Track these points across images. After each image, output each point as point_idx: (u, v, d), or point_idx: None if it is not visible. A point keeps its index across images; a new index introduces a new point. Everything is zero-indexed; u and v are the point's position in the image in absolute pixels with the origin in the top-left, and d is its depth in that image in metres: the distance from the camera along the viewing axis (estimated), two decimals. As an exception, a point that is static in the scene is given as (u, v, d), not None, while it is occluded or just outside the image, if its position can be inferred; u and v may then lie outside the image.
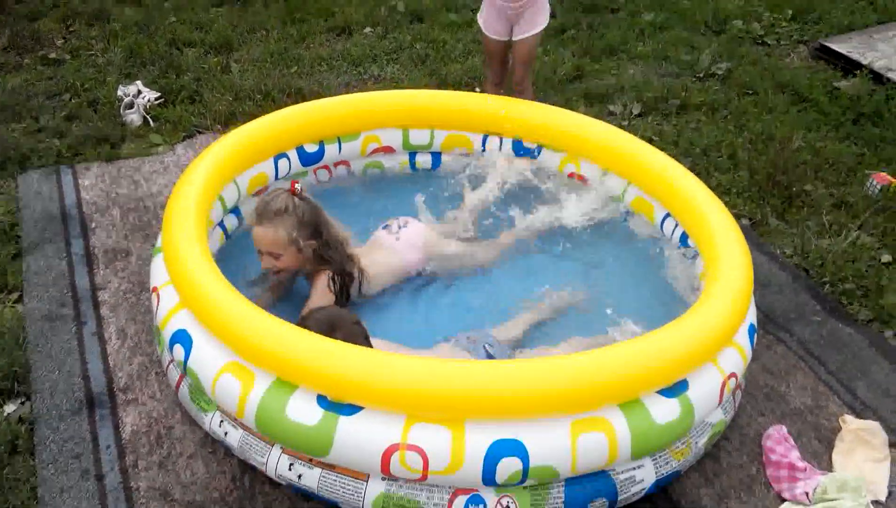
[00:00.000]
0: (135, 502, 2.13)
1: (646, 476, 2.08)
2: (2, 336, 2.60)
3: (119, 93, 4.01)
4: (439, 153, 3.43)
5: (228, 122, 3.92)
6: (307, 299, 2.59)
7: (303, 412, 1.98)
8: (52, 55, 4.55)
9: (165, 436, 2.33)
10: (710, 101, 4.34)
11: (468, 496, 1.97)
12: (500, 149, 3.39)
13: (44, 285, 2.86)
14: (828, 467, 2.32)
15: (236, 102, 4.08)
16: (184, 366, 2.22)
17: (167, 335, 2.28)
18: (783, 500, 2.21)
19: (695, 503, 2.19)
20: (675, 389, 2.07)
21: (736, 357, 2.24)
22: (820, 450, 2.38)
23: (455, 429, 1.91)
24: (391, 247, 2.82)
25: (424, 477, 1.93)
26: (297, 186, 2.58)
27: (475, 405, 1.93)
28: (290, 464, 2.08)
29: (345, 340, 2.07)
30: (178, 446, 2.30)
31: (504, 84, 3.61)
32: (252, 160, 2.97)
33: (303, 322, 2.21)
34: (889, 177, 3.60)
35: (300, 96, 4.17)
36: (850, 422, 2.41)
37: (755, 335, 2.39)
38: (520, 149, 3.36)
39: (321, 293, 2.56)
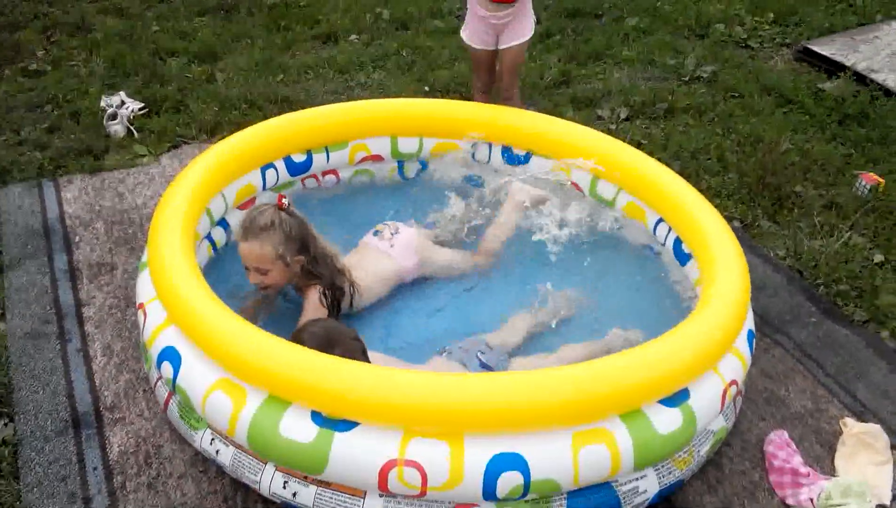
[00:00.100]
0: (124, 525, 2.07)
1: (649, 486, 2.05)
2: (-17, 356, 2.54)
3: (102, 104, 3.94)
4: (428, 163, 3.40)
5: (214, 131, 3.87)
6: (300, 315, 2.54)
7: (297, 429, 1.93)
8: (33, 66, 4.48)
9: (154, 456, 2.27)
10: (696, 104, 4.35)
11: (468, 511, 1.92)
12: (490, 156, 3.37)
13: (26, 301, 2.79)
14: (830, 471, 2.30)
15: (222, 111, 4.03)
16: (172, 384, 2.17)
17: (154, 352, 2.23)
18: (787, 506, 2.18)
19: (698, 511, 2.17)
20: (677, 398, 2.04)
21: (736, 364, 2.22)
22: (822, 454, 2.36)
23: (454, 444, 1.87)
24: (385, 253, 2.78)
25: (423, 493, 1.88)
26: (283, 200, 2.53)
27: (474, 419, 1.89)
28: (285, 482, 2.03)
29: (343, 356, 2.02)
30: (167, 466, 2.24)
31: (491, 91, 3.59)
32: (239, 171, 2.92)
33: (298, 335, 2.17)
34: (877, 177, 3.61)
35: (286, 105, 4.13)
36: (851, 426, 2.39)
37: (754, 341, 2.38)
38: (509, 156, 3.33)
39: (314, 308, 2.51)
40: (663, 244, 2.89)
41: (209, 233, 2.83)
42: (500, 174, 3.28)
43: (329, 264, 2.57)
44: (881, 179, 3.58)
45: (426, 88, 4.43)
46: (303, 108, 3.92)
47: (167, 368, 2.17)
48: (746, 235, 3.35)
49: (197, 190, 2.65)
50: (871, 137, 4.03)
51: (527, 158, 3.31)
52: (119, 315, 2.75)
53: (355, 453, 1.89)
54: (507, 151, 3.33)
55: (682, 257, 2.76)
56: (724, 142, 3.97)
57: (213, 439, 2.15)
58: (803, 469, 2.23)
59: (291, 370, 1.96)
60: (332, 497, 1.97)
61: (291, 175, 3.15)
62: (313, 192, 3.26)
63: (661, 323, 2.62)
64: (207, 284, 2.25)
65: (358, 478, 1.91)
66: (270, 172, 3.06)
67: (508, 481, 1.86)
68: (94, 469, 2.22)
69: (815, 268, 3.13)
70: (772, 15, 5.45)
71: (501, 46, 3.34)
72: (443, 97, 4.29)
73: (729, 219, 3.31)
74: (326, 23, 5.20)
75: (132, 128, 3.86)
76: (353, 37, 5.08)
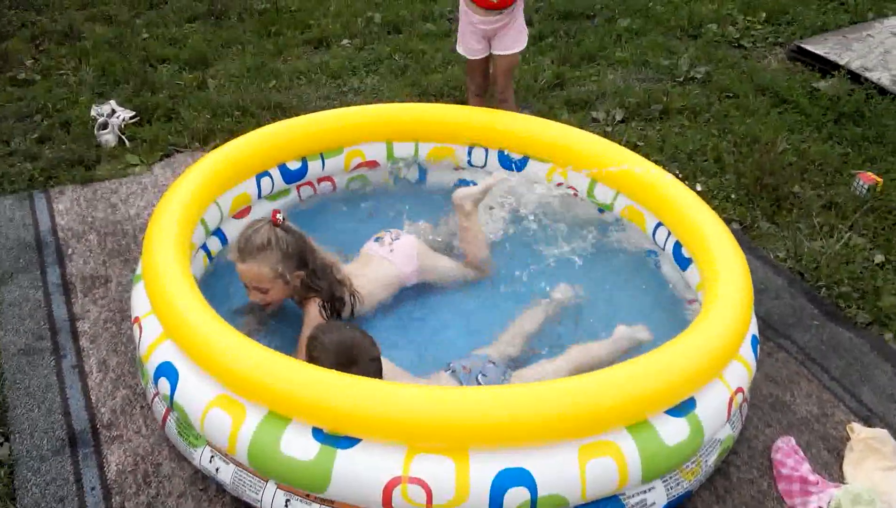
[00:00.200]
0: (123, 547, 2.03)
1: (657, 498, 2.02)
2: (-25, 374, 2.49)
3: (92, 113, 3.89)
4: (425, 169, 3.38)
5: (207, 139, 3.83)
6: (301, 328, 2.50)
7: (298, 446, 1.90)
8: (22, 76, 4.42)
9: (153, 474, 2.23)
10: (691, 105, 4.33)
11: (475, 528, 1.89)
12: (486, 161, 3.34)
13: (19, 317, 2.74)
14: (839, 478, 2.29)
15: (214, 118, 3.99)
16: (170, 400, 2.13)
17: (151, 367, 2.19)
18: (796, 515, 2.17)
19: (706, 521, 2.15)
20: (683, 408, 2.02)
21: (742, 371, 2.20)
22: (830, 461, 2.34)
23: (459, 459, 1.84)
24: (385, 258, 2.75)
25: (428, 510, 1.85)
26: (277, 215, 2.47)
27: (479, 434, 1.86)
28: (287, 500, 1.99)
29: (356, 374, 1.99)
30: (166, 484, 2.20)
31: (485, 94, 3.56)
32: (233, 180, 2.88)
33: (313, 342, 2.12)
34: (875, 176, 3.60)
35: (279, 111, 4.09)
36: (858, 431, 2.38)
37: (758, 346, 2.35)
38: (505, 161, 3.30)
39: (314, 321, 2.47)
40: (663, 249, 2.87)
41: (204, 243, 2.80)
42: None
43: (328, 276, 2.54)
44: (879, 179, 3.57)
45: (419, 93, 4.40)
46: (296, 114, 3.91)
47: (164, 384, 2.13)
48: (746, 237, 3.33)
49: (191, 200, 2.61)
50: (867, 136, 4.02)
51: (523, 162, 3.29)
52: (114, 329, 2.71)
53: (358, 470, 1.86)
54: (503, 154, 3.30)
55: (683, 262, 2.74)
56: (721, 143, 3.95)
57: (212, 456, 2.11)
58: (812, 477, 2.21)
59: (292, 385, 1.92)
60: (335, 515, 1.94)
61: (286, 183, 3.11)
62: (309, 200, 3.23)
63: (663, 329, 2.61)
64: (204, 297, 2.21)
65: (361, 496, 1.88)
66: (265, 180, 3.02)
67: (515, 497, 1.83)
68: (92, 488, 2.17)
69: (816, 270, 3.11)
70: (764, 14, 5.45)
71: (494, 52, 3.32)
72: (437, 101, 4.27)
73: (727, 221, 3.30)
74: (318, 28, 5.16)
75: (123, 137, 3.81)
76: (345, 41, 5.04)
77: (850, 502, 2.10)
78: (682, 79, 4.66)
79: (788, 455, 2.27)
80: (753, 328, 2.35)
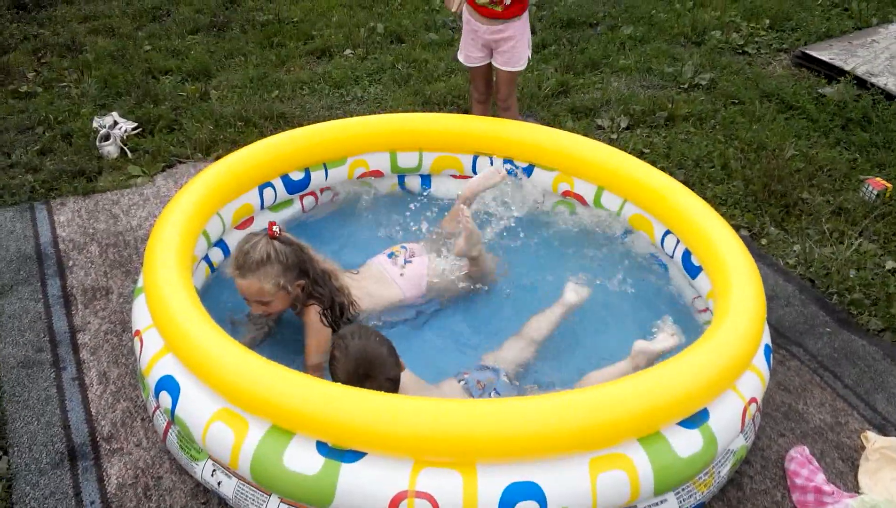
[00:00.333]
0: (123, 564, 1.98)
1: (669, 510, 1.97)
2: (-26, 388, 2.46)
3: (94, 124, 3.88)
4: (429, 176, 3.35)
5: (209, 150, 3.81)
6: (304, 336, 2.46)
7: (302, 460, 1.86)
8: (24, 88, 4.41)
9: (154, 488, 2.19)
10: (697, 111, 4.31)
11: (483, 543, 1.84)
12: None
13: (19, 329, 2.71)
14: (854, 488, 2.24)
15: (217, 129, 3.97)
16: (171, 414, 2.09)
17: (152, 381, 2.15)
18: (811, 527, 2.11)
19: (719, 534, 2.09)
20: (696, 419, 1.97)
21: (755, 381, 2.15)
22: (844, 470, 2.30)
23: (466, 473, 1.80)
24: (395, 282, 2.70)
25: (435, 525, 1.80)
26: (274, 228, 2.44)
27: (487, 447, 1.82)
28: (290, 515, 1.95)
29: (369, 388, 1.95)
30: (167, 498, 2.16)
31: (489, 102, 3.54)
32: (236, 191, 2.86)
33: (340, 341, 2.09)
34: (884, 182, 3.57)
35: (282, 121, 4.07)
36: (873, 440, 2.33)
37: (771, 355, 2.31)
38: (511, 169, 3.27)
39: (315, 330, 2.44)
40: (671, 257, 2.83)
41: (206, 254, 2.77)
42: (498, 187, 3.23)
43: (329, 284, 2.50)
44: (888, 184, 3.53)
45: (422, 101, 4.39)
46: (299, 124, 3.90)
47: (165, 398, 2.09)
48: (755, 244, 3.29)
49: (193, 211, 2.58)
50: (875, 141, 3.98)
51: (528, 171, 3.25)
52: (115, 341, 2.68)
53: (363, 484, 1.82)
54: (509, 163, 3.27)
55: (692, 270, 2.70)
56: (727, 150, 3.92)
57: (214, 470, 2.07)
58: (827, 488, 2.16)
59: (295, 399, 1.88)
60: (340, 530, 1.89)
61: (290, 193, 3.09)
62: (314, 210, 3.19)
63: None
64: (205, 309, 2.18)
65: (367, 511, 1.83)
66: (268, 191, 3.00)
67: (524, 511, 1.78)
68: (92, 503, 2.14)
69: (826, 276, 3.07)
70: (767, 21, 5.44)
71: (495, 64, 3.30)
72: (440, 110, 4.25)
73: (736, 228, 3.26)
74: (320, 38, 5.16)
75: (125, 148, 3.79)
76: (347, 51, 5.03)
77: (867, 513, 2.05)
78: (686, 86, 4.64)
79: (802, 464, 2.22)
80: (766, 338, 2.30)
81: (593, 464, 1.83)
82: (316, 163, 3.12)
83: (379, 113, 4.21)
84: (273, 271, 2.37)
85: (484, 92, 3.50)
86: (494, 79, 3.44)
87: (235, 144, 3.70)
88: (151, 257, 2.35)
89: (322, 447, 1.87)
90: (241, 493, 2.02)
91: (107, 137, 3.77)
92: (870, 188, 3.53)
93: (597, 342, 2.64)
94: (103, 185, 3.55)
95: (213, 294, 2.66)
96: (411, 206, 3.15)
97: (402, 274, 2.71)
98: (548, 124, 3.99)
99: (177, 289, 2.19)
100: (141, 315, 2.30)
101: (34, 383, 2.50)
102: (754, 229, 3.38)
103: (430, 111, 4.19)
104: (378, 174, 3.28)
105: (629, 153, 3.15)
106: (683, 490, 2.00)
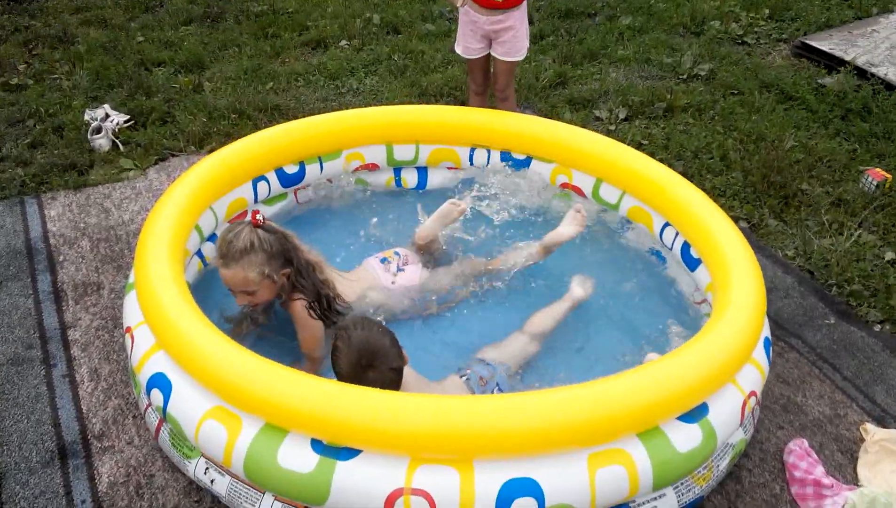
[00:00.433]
0: (114, 563, 1.96)
1: (668, 505, 1.96)
2: (-37, 385, 2.42)
3: (86, 117, 3.83)
4: (425, 168, 3.31)
5: (203, 143, 3.77)
6: (296, 331, 2.43)
7: (296, 458, 1.83)
8: (14, 80, 4.36)
9: (146, 486, 2.16)
10: (695, 102, 4.27)
11: (480, 540, 1.81)
12: (488, 161, 3.27)
13: (9, 325, 2.68)
14: (853, 480, 2.22)
15: (210, 121, 3.92)
16: (163, 412, 2.06)
17: (143, 379, 2.12)
18: (811, 521, 2.09)
19: (718, 529, 2.07)
20: (696, 413, 1.95)
21: (755, 374, 2.13)
22: (843, 463, 2.28)
23: (463, 470, 1.77)
24: (385, 288, 2.65)
25: (432, 523, 1.78)
26: (257, 216, 2.39)
27: (483, 443, 1.79)
28: (284, 513, 1.92)
29: (371, 379, 1.91)
30: (160, 496, 2.13)
31: (487, 93, 3.50)
32: (229, 185, 2.82)
33: (342, 332, 2.05)
34: (883, 172, 3.54)
35: (277, 113, 4.03)
36: (872, 432, 2.31)
37: (771, 348, 2.28)
38: (508, 161, 3.24)
39: (304, 324, 2.41)
40: (670, 249, 2.80)
41: (199, 249, 2.73)
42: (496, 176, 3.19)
43: (313, 275, 2.45)
44: (888, 175, 3.50)
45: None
46: (294, 116, 3.85)
47: (157, 395, 2.06)
48: (754, 235, 3.26)
49: (186, 205, 2.54)
50: (875, 132, 3.95)
51: (527, 163, 3.22)
52: (106, 337, 2.64)
53: (359, 482, 1.79)
54: (506, 155, 3.24)
55: (691, 263, 2.67)
56: (726, 141, 3.88)
57: (207, 468, 2.04)
58: (826, 480, 2.14)
59: (289, 396, 1.85)
60: (335, 528, 1.87)
61: (284, 187, 3.05)
62: (307, 204, 3.16)
63: (673, 330, 2.54)
64: (198, 306, 2.14)
65: (362, 508, 1.81)
66: (262, 185, 2.96)
67: None
68: (83, 501, 2.11)
69: (825, 268, 3.04)
70: (767, 10, 5.39)
71: (494, 55, 3.26)
72: (437, 102, 4.21)
73: (735, 219, 3.23)
74: (315, 29, 5.11)
75: (117, 141, 3.74)
76: (343, 42, 4.98)
77: (866, 505, 2.04)
78: (685, 76, 4.60)
79: (801, 457, 2.20)
80: (766, 331, 2.28)
81: (591, 460, 1.81)
82: (311, 156, 3.08)
83: (375, 105, 4.15)
84: (257, 260, 2.33)
85: (482, 84, 3.46)
86: (492, 70, 3.40)
87: (229, 137, 3.66)
88: (143, 253, 2.31)
89: (317, 444, 1.84)
90: (235, 491, 1.99)
91: (98, 130, 3.73)
92: (869, 179, 3.50)
93: (600, 336, 2.61)
94: (95, 178, 3.50)
95: (206, 290, 2.62)
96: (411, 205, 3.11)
97: (393, 282, 2.65)
98: (545, 116, 3.95)
99: (168, 285, 2.16)
100: (132, 312, 2.26)
101: (24, 380, 2.47)
102: (753, 220, 3.35)
103: (427, 103, 4.16)
104: (374, 167, 3.24)
105: (627, 145, 3.12)
106: (682, 484, 1.97)
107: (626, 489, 1.83)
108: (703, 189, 2.99)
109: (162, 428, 2.16)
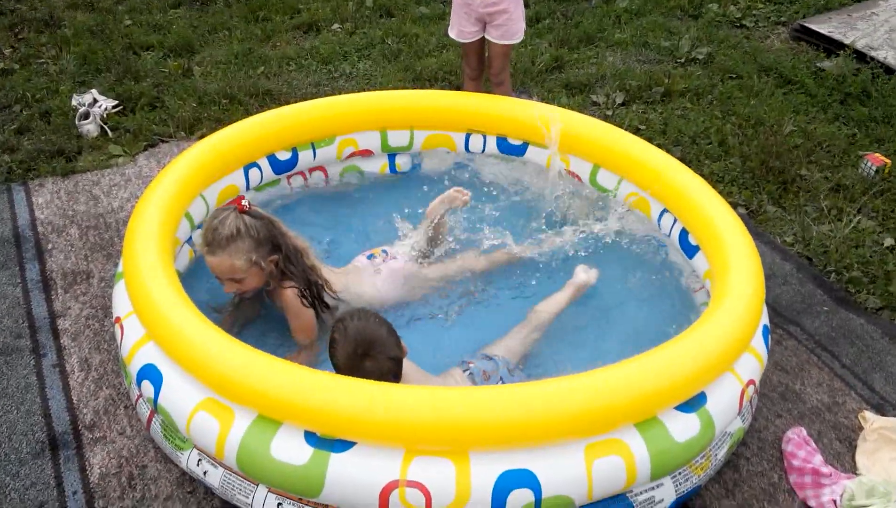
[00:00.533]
0: (106, 556, 1.94)
1: (665, 495, 1.94)
2: (-49, 377, 2.38)
3: (73, 102, 3.76)
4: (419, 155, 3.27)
5: (193, 129, 3.71)
6: (287, 320, 2.39)
7: (290, 450, 1.80)
8: (0, 65, 4.27)
9: (138, 477, 2.13)
10: (693, 86, 4.22)
11: (476, 532, 1.79)
12: (484, 147, 3.23)
13: (-3, 315, 2.64)
14: (852, 469, 2.21)
15: (200, 107, 3.86)
16: (154, 403, 2.02)
17: (134, 370, 2.09)
18: (809, 509, 2.08)
19: (716, 517, 2.06)
20: (694, 403, 1.93)
21: (753, 363, 2.11)
22: (842, 451, 2.27)
23: (459, 461, 1.75)
24: (371, 282, 2.60)
25: (428, 515, 1.75)
26: (243, 201, 2.34)
27: (479, 435, 1.76)
28: (279, 504, 1.90)
29: (369, 369, 1.89)
30: (152, 487, 2.11)
31: (482, 78, 3.45)
32: (220, 172, 2.77)
33: (339, 324, 2.02)
34: (883, 158, 3.51)
35: (268, 98, 3.96)
36: (871, 420, 2.29)
37: (769, 336, 2.26)
38: (505, 147, 3.19)
39: (296, 312, 2.37)
40: (668, 236, 2.77)
41: (190, 237, 2.68)
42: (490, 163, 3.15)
43: (301, 261, 2.41)
44: (888, 161, 3.47)
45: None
46: (286, 101, 3.79)
47: (148, 387, 2.03)
48: (752, 221, 3.24)
49: (176, 193, 2.49)
50: (874, 116, 3.92)
51: (523, 148, 3.18)
52: (97, 326, 2.60)
53: (353, 474, 1.77)
54: (502, 140, 3.19)
55: (689, 250, 2.64)
56: (725, 125, 3.85)
57: (200, 459, 2.02)
58: (825, 469, 2.13)
59: (282, 387, 1.82)
60: (330, 520, 1.85)
61: (276, 173, 3.00)
62: (300, 191, 3.11)
63: (670, 317, 2.52)
64: (188, 294, 2.10)
65: (357, 501, 1.79)
66: (254, 172, 2.91)
67: (519, 499, 1.74)
68: (74, 493, 2.09)
69: (824, 254, 3.02)
70: (765, -7, 5.33)
71: (489, 38, 3.20)
72: (431, 86, 4.15)
73: (734, 205, 3.21)
74: (307, 12, 5.02)
75: (106, 127, 3.68)
76: (335, 26, 4.90)
77: (864, 494, 2.03)
78: (683, 60, 4.55)
79: (799, 445, 2.19)
80: (764, 319, 2.25)
81: (589, 450, 1.79)
82: (303, 142, 3.03)
83: (368, 90, 4.10)
84: (244, 247, 2.28)
85: (477, 68, 3.41)
86: (487, 54, 3.34)
87: (220, 123, 3.60)
88: (132, 241, 2.26)
89: (310, 436, 1.81)
90: (228, 483, 1.97)
91: (86, 116, 3.66)
92: (869, 164, 3.47)
93: (604, 327, 2.58)
94: (83, 165, 3.44)
95: (195, 279, 2.58)
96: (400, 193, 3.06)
97: (378, 271, 2.60)
98: (542, 101, 3.90)
99: (158, 275, 2.11)
100: (121, 302, 2.22)
101: (13, 370, 2.43)
102: (752, 206, 3.33)
103: (422, 88, 4.10)
104: (368, 153, 3.20)
105: (625, 130, 3.07)
106: (680, 473, 1.96)
107: (624, 479, 1.81)
108: (702, 175, 2.95)
109: (153, 420, 2.13)
